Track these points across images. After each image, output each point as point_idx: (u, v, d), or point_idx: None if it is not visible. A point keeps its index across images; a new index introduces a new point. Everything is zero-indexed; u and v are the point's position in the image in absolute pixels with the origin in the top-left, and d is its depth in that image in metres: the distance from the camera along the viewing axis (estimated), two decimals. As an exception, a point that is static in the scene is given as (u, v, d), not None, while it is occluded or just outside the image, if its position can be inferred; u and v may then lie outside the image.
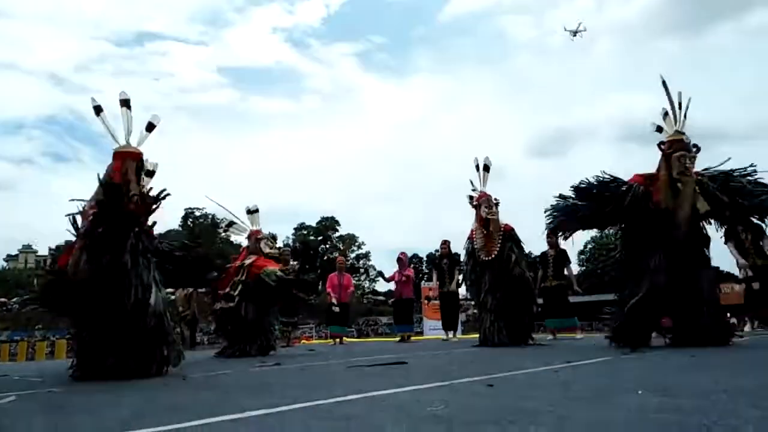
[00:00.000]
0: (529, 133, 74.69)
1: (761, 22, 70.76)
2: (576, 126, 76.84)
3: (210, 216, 47.49)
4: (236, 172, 77.19)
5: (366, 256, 51.08)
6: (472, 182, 6.73)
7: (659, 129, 4.81)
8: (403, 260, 10.57)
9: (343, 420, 1.73)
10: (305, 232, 52.79)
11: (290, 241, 55.42)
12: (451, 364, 3.99)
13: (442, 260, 10.19)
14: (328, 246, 50.81)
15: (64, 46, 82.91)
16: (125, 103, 4.04)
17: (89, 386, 3.38)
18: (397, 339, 10.69)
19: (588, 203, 4.85)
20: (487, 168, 6.71)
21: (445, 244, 10.15)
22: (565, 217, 5.03)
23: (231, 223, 7.73)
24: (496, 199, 6.56)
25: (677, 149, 4.61)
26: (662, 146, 4.68)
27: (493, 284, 6.22)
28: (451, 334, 10.26)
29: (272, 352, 6.74)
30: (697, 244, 4.69)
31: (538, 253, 9.35)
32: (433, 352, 5.95)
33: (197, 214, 47.09)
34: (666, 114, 4.82)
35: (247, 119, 79.74)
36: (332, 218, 51.01)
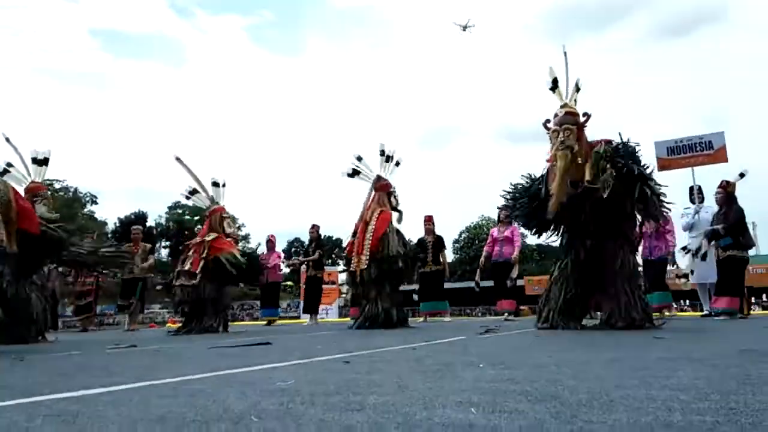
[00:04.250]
0: (417, 125, 76.83)
1: (620, 37, 78.03)
2: (458, 121, 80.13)
3: (72, 189, 43.70)
4: (104, 141, 71.69)
5: (245, 238, 49.78)
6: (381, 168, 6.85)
7: (554, 86, 4.59)
8: (272, 242, 10.45)
9: (186, 396, 1.66)
10: (180, 212, 50.30)
11: (163, 221, 52.62)
12: (315, 345, 3.99)
13: (311, 244, 10.21)
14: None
15: None
16: None
17: None
18: (265, 323, 10.58)
19: (522, 203, 4.85)
20: (388, 156, 6.83)
21: (314, 228, 10.16)
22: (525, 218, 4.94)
23: (194, 191, 7.30)
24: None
25: (554, 124, 4.48)
26: (546, 125, 4.57)
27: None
28: (308, 317, 10.36)
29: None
30: (608, 221, 4.44)
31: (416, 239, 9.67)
32: (303, 333, 5.93)
33: (57, 186, 43.13)
34: (555, 87, 4.60)
35: (119, 85, 74.30)
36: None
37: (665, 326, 4.54)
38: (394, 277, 6.33)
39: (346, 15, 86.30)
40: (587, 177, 4.29)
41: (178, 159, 7.08)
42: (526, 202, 4.80)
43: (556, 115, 4.51)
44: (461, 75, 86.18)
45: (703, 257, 7.16)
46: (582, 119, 4.44)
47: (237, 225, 7.34)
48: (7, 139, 5.71)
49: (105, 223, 47.96)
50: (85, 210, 47.39)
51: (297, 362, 2.55)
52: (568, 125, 4.37)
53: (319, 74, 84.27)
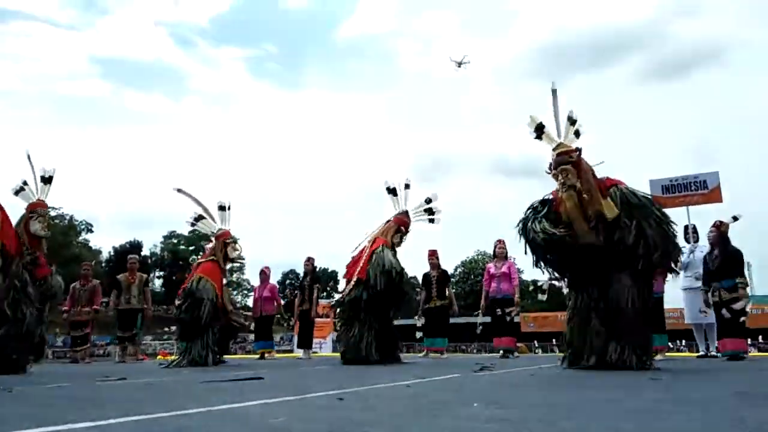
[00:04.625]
0: (412, 158, 77.46)
1: (611, 76, 79.54)
2: (454, 154, 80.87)
3: (68, 216, 43.65)
4: (101, 169, 71.94)
5: (240, 269, 49.53)
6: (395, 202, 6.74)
7: (539, 134, 4.54)
8: (266, 274, 10.37)
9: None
10: (175, 241, 50.17)
11: (158, 250, 52.42)
12: (309, 380, 3.95)
13: (305, 277, 10.11)
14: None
15: None
16: None
17: None
18: (257, 356, 10.43)
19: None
20: (429, 209, 6.75)
21: (309, 261, 10.10)
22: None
23: (200, 217, 7.14)
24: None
25: (552, 169, 4.44)
26: (547, 171, 4.52)
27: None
28: (301, 352, 10.23)
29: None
30: (618, 260, 4.30)
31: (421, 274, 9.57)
32: (296, 368, 5.86)
33: (53, 214, 43.08)
34: (539, 134, 4.52)
35: (118, 114, 75.03)
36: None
37: (661, 367, 4.50)
38: (375, 304, 6.04)
39: (347, 50, 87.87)
40: (608, 215, 4.26)
41: (179, 190, 7.08)
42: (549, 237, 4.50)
43: (552, 160, 4.49)
44: (456, 109, 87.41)
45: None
46: (574, 155, 4.40)
47: (239, 250, 7.15)
48: (28, 157, 5.70)
49: (99, 252, 47.82)
50: (80, 238, 47.28)
51: (290, 398, 2.52)
52: (564, 166, 4.37)
53: (317, 107, 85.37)
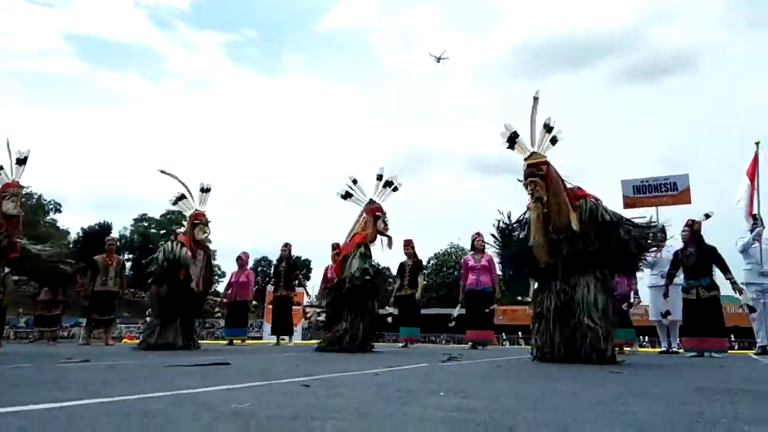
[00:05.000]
0: (389, 151, 77.39)
1: (591, 78, 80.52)
2: (431, 149, 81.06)
3: (36, 196, 42.57)
4: (72, 148, 70.28)
5: (212, 255, 48.98)
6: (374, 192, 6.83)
7: (511, 144, 4.60)
8: (243, 260, 10.27)
9: (138, 415, 1.61)
10: (146, 224, 49.32)
11: (128, 233, 51.48)
12: (277, 367, 3.93)
13: (281, 263, 10.05)
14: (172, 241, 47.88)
15: None
16: None
17: None
18: (225, 342, 10.35)
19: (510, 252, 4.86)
20: (387, 182, 6.79)
21: (286, 246, 10.04)
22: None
23: (182, 197, 7.06)
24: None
25: (524, 178, 4.53)
26: (519, 180, 4.61)
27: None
28: (286, 339, 10.15)
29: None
30: (584, 262, 4.44)
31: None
32: (267, 354, 5.84)
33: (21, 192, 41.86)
34: (512, 144, 4.59)
35: (92, 93, 73.29)
36: (179, 212, 48.12)
37: (624, 362, 4.60)
38: (354, 298, 6.24)
39: (327, 39, 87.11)
40: (575, 227, 4.37)
41: (162, 171, 7.01)
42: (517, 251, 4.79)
43: (523, 170, 4.58)
44: (435, 104, 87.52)
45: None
46: (544, 168, 4.47)
47: (207, 233, 7.05)
48: (7, 144, 5.62)
49: (67, 233, 46.77)
50: (48, 218, 46.21)
51: (256, 384, 2.50)
52: (533, 178, 4.46)
53: (296, 95, 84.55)
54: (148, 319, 7.11)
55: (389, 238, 6.66)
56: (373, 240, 6.58)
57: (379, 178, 6.79)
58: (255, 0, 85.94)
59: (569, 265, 4.46)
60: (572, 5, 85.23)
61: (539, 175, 4.46)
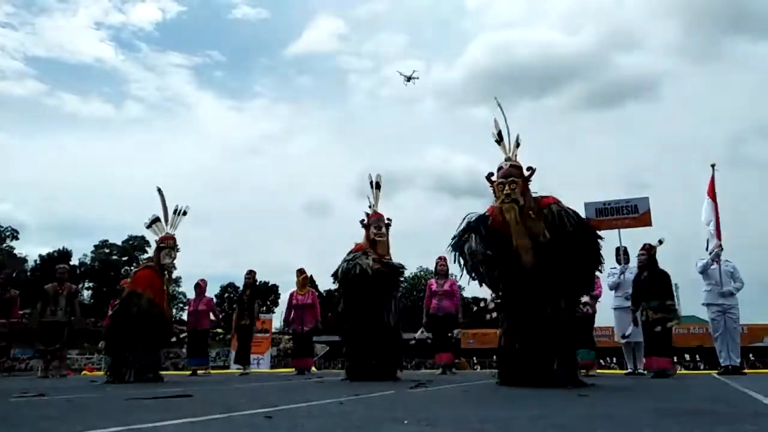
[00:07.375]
0: (355, 173, 77.49)
1: (555, 104, 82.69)
2: (398, 172, 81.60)
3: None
4: (32, 174, 68.43)
5: (176, 281, 47.92)
6: (369, 198, 6.50)
7: (499, 139, 4.59)
8: (201, 287, 10.05)
9: (90, 453, 1.55)
10: (107, 251, 48.15)
11: (88, 260, 50.08)
12: (241, 397, 3.83)
13: (245, 291, 9.88)
14: (133, 267, 46.73)
15: None
16: None
17: None
18: (188, 373, 10.07)
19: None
20: (378, 186, 6.50)
21: (250, 274, 9.87)
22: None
23: (156, 220, 6.77)
24: (388, 220, 6.37)
25: (498, 177, 4.44)
26: (489, 178, 4.54)
27: None
28: (242, 368, 9.98)
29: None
30: (550, 276, 4.36)
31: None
32: (231, 385, 5.70)
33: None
34: (500, 140, 4.58)
35: (52, 116, 71.79)
36: (142, 237, 47.13)
37: (590, 383, 4.64)
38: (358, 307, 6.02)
39: (295, 64, 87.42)
40: (541, 237, 4.34)
41: (159, 190, 6.84)
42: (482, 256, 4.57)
43: (500, 168, 4.49)
44: (403, 128, 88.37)
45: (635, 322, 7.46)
46: (526, 173, 4.45)
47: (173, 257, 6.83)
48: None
49: (25, 260, 45.34)
50: (4, 245, 44.75)
51: (217, 416, 2.43)
52: (514, 178, 4.36)
53: (262, 118, 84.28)
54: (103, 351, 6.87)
55: (381, 243, 6.24)
56: (368, 248, 6.28)
57: (377, 186, 6.50)
58: (222, 23, 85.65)
59: (536, 278, 4.41)
60: (536, 33, 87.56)
61: (520, 176, 4.40)
